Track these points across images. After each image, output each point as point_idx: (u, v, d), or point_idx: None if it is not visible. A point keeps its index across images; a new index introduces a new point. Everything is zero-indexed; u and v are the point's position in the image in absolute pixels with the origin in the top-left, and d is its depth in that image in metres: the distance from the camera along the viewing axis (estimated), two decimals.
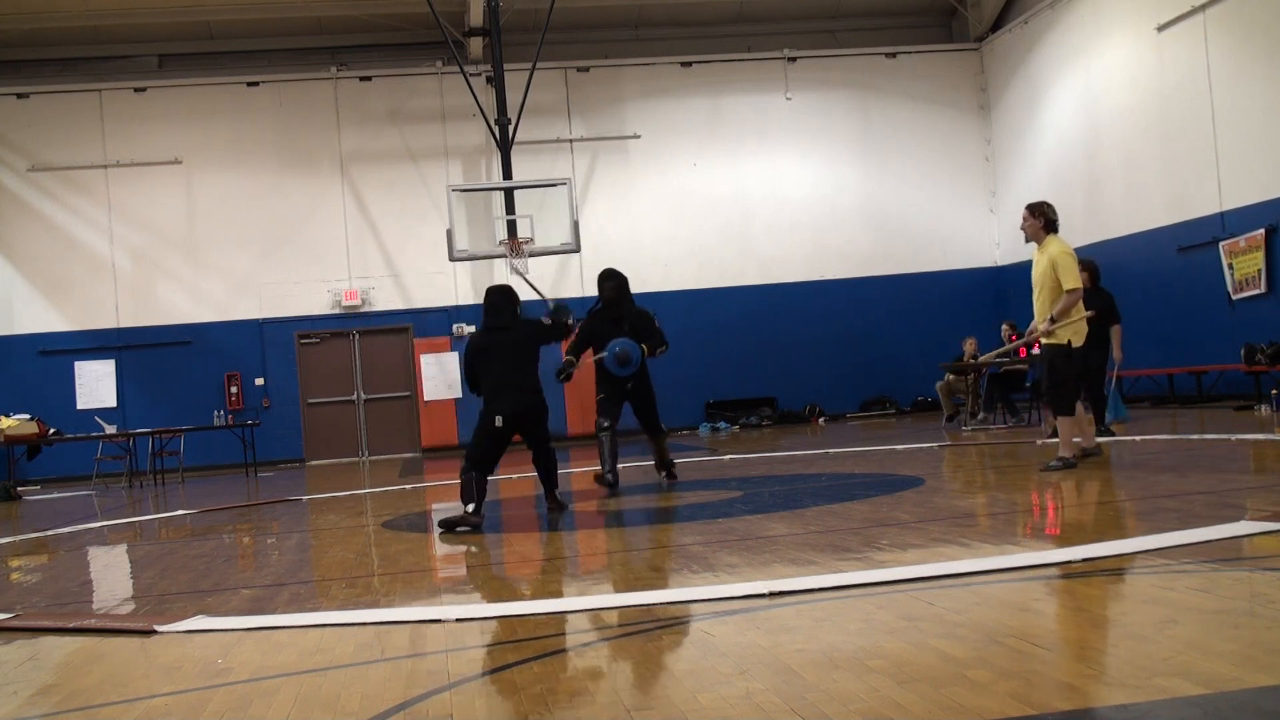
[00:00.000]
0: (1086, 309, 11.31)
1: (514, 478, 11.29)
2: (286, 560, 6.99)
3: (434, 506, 9.84)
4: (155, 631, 4.51)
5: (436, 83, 19.35)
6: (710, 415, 19.27)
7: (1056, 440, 10.79)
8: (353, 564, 6.36)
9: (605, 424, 9.13)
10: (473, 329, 18.74)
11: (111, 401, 18.30)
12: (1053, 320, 8.04)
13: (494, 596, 5.10)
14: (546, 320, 8.12)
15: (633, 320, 9.35)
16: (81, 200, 18.68)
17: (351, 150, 19.19)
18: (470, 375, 7.92)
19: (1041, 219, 8.26)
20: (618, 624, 4.17)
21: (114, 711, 3.42)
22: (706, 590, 4.51)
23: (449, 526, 7.35)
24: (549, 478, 8.07)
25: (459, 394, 18.61)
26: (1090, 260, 11.31)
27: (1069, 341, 8.15)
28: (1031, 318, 12.18)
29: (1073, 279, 8.04)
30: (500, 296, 7.97)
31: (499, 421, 7.59)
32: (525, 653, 3.81)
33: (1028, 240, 8.47)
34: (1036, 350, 9.86)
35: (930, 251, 20.08)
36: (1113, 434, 10.96)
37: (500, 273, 18.75)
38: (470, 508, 7.39)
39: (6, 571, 7.24)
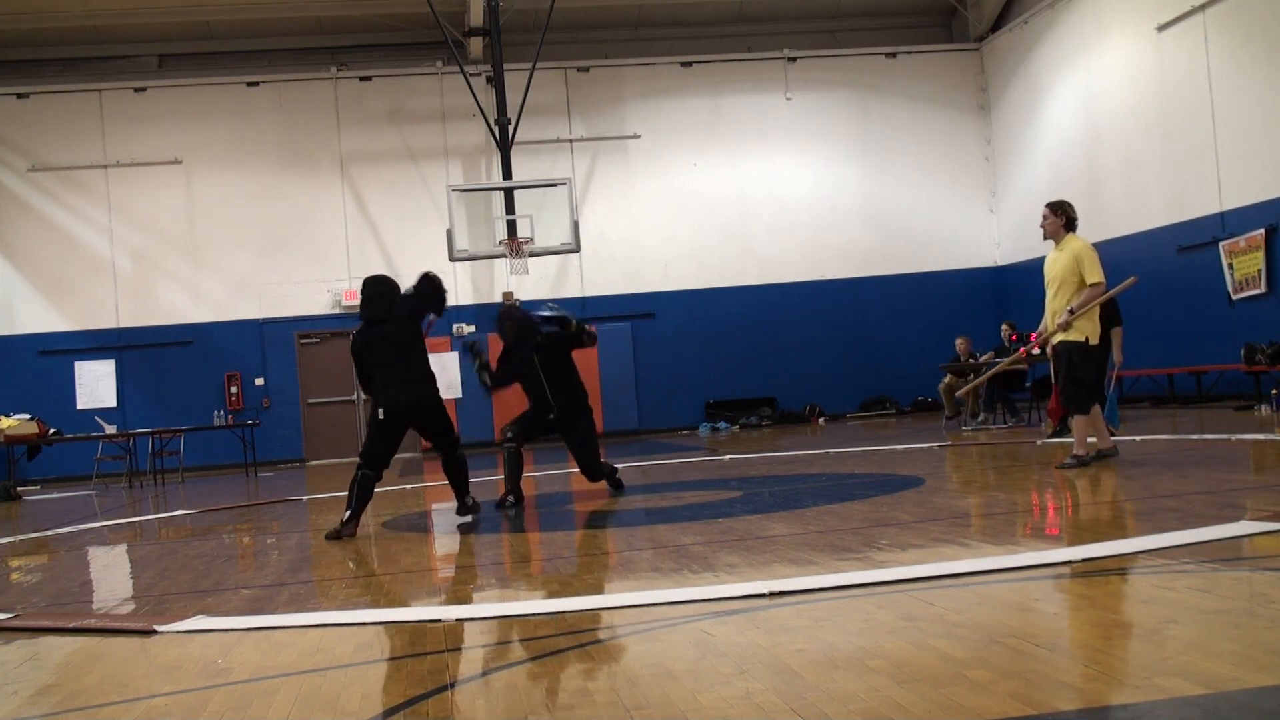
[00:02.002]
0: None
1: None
2: (286, 560, 6.98)
3: (434, 506, 9.84)
4: (155, 631, 4.51)
5: (436, 83, 19.35)
6: (710, 415, 19.27)
7: (1057, 440, 10.85)
8: (353, 564, 6.37)
9: (509, 435, 8.58)
10: (472, 329, 18.81)
11: (111, 401, 18.30)
12: (1071, 312, 8.03)
13: (494, 596, 5.10)
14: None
15: (548, 346, 8.70)
16: (81, 200, 18.69)
17: (351, 150, 19.19)
18: (361, 374, 7.70)
19: (1063, 217, 8.29)
20: (618, 624, 4.17)
21: (114, 711, 3.42)
22: (706, 590, 4.51)
23: (332, 536, 7.30)
24: (458, 485, 7.80)
25: (459, 394, 18.62)
26: None
27: (1086, 338, 8.14)
28: (1033, 317, 12.26)
29: (1097, 273, 8.05)
30: (377, 286, 7.74)
31: (380, 414, 7.41)
32: (525, 653, 3.81)
33: (1046, 238, 8.46)
34: (1036, 350, 9.90)
35: (930, 251, 20.08)
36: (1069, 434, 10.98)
37: (500, 272, 18.79)
38: (346, 515, 7.31)
39: (6, 571, 7.24)
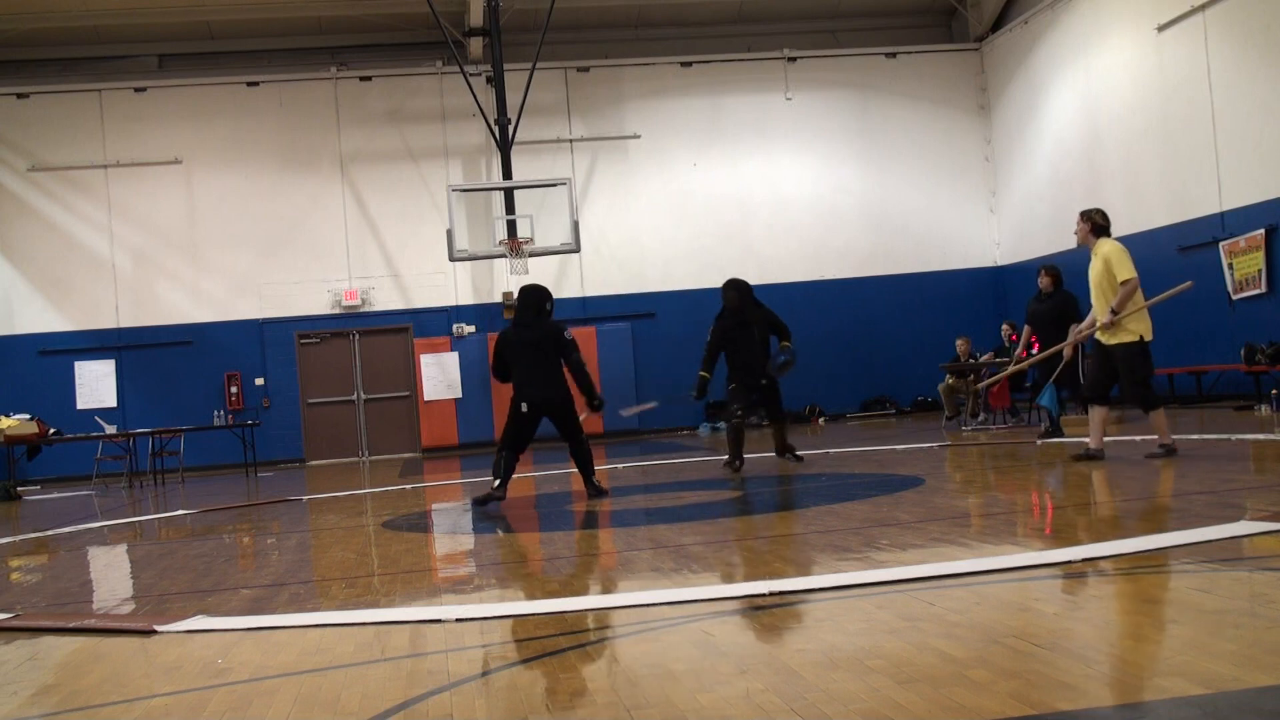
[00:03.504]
0: (1043, 310, 11.58)
1: (514, 478, 11.26)
2: (286, 560, 6.99)
3: (434, 507, 9.84)
4: (155, 631, 4.51)
5: (436, 83, 19.35)
6: (710, 415, 19.25)
7: (1055, 440, 10.86)
8: (353, 564, 6.36)
9: (739, 411, 10.10)
10: (472, 329, 18.91)
11: (111, 401, 18.30)
12: (1114, 312, 8.22)
13: (494, 596, 5.10)
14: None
15: (760, 322, 10.18)
16: (81, 200, 18.69)
17: (351, 150, 19.19)
18: (498, 365, 8.77)
19: (1089, 223, 8.57)
20: (618, 624, 4.17)
21: (114, 711, 3.42)
22: (706, 590, 4.51)
23: (480, 503, 8.50)
24: (584, 468, 8.80)
25: (459, 394, 18.64)
26: (1053, 266, 11.81)
27: (1140, 336, 8.33)
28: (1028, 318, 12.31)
29: (1127, 270, 8.23)
30: (528, 296, 8.73)
31: (524, 408, 8.53)
32: (525, 653, 3.81)
33: (1079, 244, 8.78)
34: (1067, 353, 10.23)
35: (930, 251, 20.08)
36: (1063, 434, 11.03)
37: (500, 272, 18.80)
38: (496, 483, 8.46)
39: (6, 571, 7.24)
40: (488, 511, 8.39)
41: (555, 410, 8.63)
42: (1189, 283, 8.93)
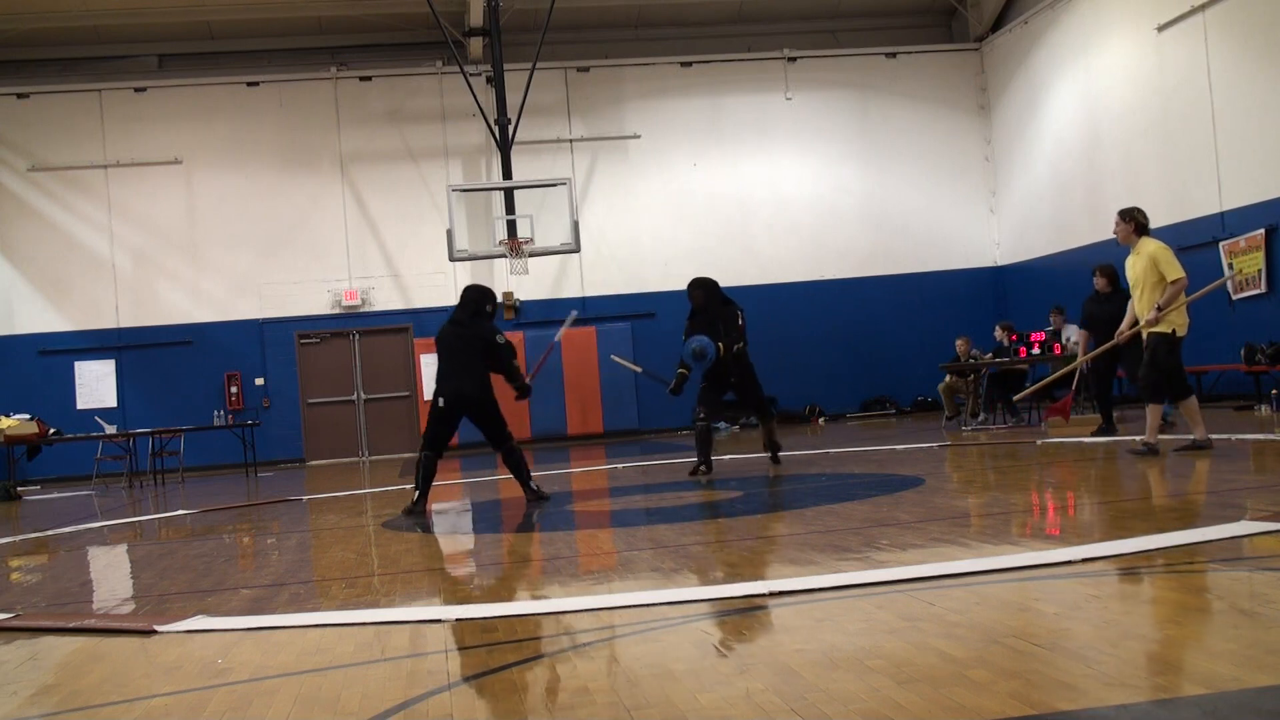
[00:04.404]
0: (1103, 313, 11.46)
1: (509, 478, 11.26)
2: (286, 560, 6.99)
3: (434, 506, 9.83)
4: (155, 631, 4.51)
5: (436, 83, 19.35)
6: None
7: (1055, 440, 10.86)
8: (353, 564, 6.36)
9: (701, 414, 9.88)
10: None
11: (111, 401, 18.30)
12: (1159, 309, 8.40)
13: (494, 596, 5.10)
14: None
15: (719, 320, 10.02)
16: (81, 200, 18.69)
17: (351, 150, 19.19)
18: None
19: (1132, 223, 8.76)
20: (618, 624, 4.17)
21: (114, 711, 3.42)
22: (706, 590, 4.51)
23: (406, 514, 8.43)
24: (518, 473, 8.72)
25: None
26: (1109, 265, 11.46)
27: (1174, 330, 8.51)
28: (1032, 318, 12.33)
29: (1176, 270, 8.44)
30: (470, 294, 8.78)
31: (440, 403, 8.51)
32: (525, 653, 3.81)
33: (1120, 243, 8.96)
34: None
35: (930, 251, 20.09)
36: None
37: (500, 272, 18.79)
38: (416, 496, 8.49)
39: (6, 571, 7.24)
40: (415, 523, 8.15)
41: (472, 409, 8.51)
42: (1223, 278, 9.07)
